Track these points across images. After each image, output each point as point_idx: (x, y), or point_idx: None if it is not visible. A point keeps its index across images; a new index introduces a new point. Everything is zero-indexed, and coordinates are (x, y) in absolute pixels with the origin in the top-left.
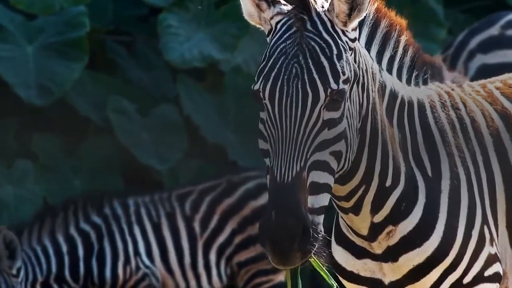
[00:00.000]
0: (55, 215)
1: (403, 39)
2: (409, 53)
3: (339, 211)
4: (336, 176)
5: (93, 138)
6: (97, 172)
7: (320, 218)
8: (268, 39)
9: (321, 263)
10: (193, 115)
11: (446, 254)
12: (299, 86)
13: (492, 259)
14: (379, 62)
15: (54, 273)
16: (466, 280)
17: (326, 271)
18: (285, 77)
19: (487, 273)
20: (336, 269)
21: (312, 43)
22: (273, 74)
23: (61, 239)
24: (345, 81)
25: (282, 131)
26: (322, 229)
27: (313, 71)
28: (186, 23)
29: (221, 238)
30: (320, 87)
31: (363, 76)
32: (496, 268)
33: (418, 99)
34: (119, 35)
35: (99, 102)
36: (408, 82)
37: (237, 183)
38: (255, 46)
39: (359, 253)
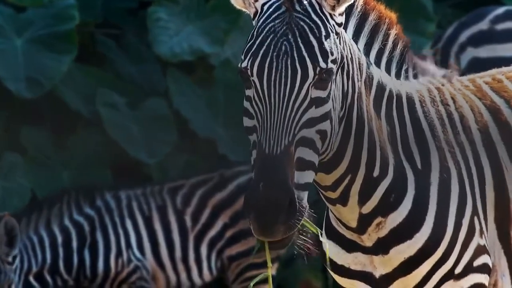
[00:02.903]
0: (51, 206)
1: (392, 32)
2: (399, 47)
3: (327, 203)
4: (320, 160)
5: (82, 131)
6: (86, 165)
7: (304, 194)
8: (254, 22)
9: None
10: (183, 109)
11: (437, 246)
12: (289, 62)
13: (480, 250)
14: (367, 54)
15: (48, 264)
16: (457, 270)
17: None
18: (274, 54)
19: (476, 263)
20: (327, 263)
21: (301, 23)
22: (261, 52)
23: (56, 230)
24: (333, 61)
25: (270, 107)
26: (307, 205)
27: (303, 49)
28: (175, 16)
29: (212, 232)
30: (309, 64)
31: (348, 64)
32: (484, 259)
33: (407, 93)
34: (109, 28)
35: (88, 95)
36: (397, 76)
37: (229, 177)
38: (245, 40)
39: (350, 246)
